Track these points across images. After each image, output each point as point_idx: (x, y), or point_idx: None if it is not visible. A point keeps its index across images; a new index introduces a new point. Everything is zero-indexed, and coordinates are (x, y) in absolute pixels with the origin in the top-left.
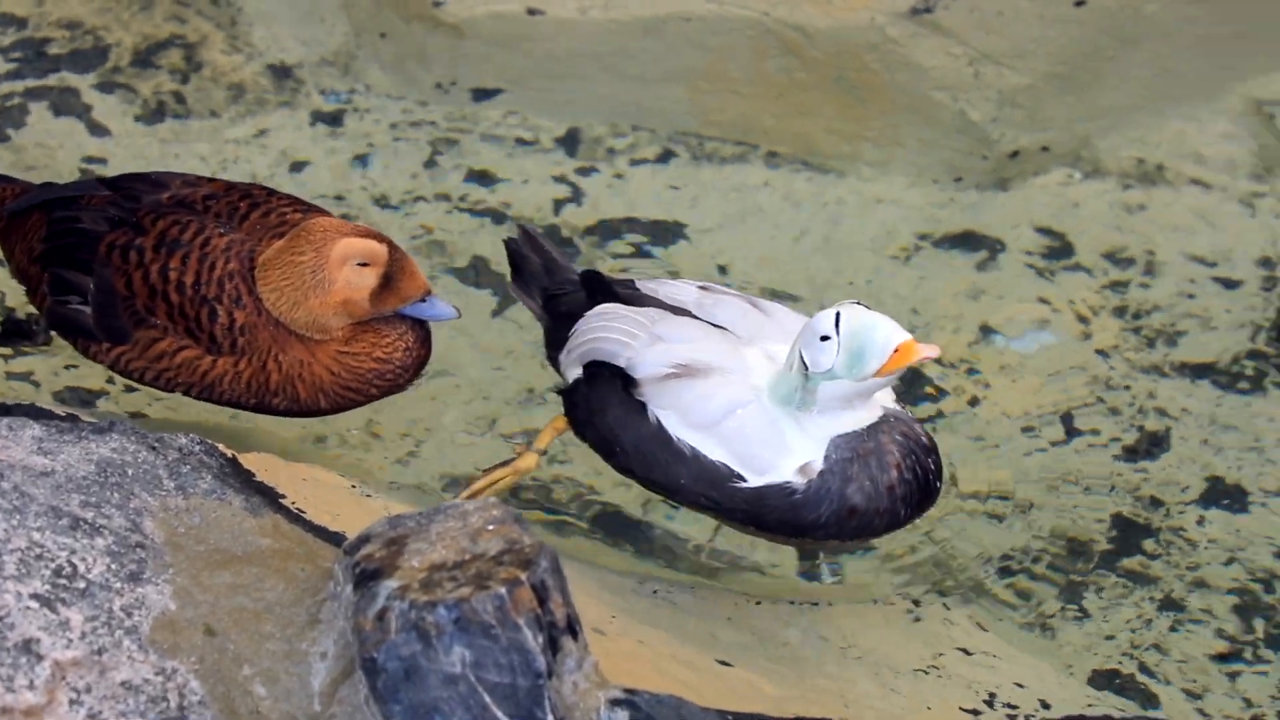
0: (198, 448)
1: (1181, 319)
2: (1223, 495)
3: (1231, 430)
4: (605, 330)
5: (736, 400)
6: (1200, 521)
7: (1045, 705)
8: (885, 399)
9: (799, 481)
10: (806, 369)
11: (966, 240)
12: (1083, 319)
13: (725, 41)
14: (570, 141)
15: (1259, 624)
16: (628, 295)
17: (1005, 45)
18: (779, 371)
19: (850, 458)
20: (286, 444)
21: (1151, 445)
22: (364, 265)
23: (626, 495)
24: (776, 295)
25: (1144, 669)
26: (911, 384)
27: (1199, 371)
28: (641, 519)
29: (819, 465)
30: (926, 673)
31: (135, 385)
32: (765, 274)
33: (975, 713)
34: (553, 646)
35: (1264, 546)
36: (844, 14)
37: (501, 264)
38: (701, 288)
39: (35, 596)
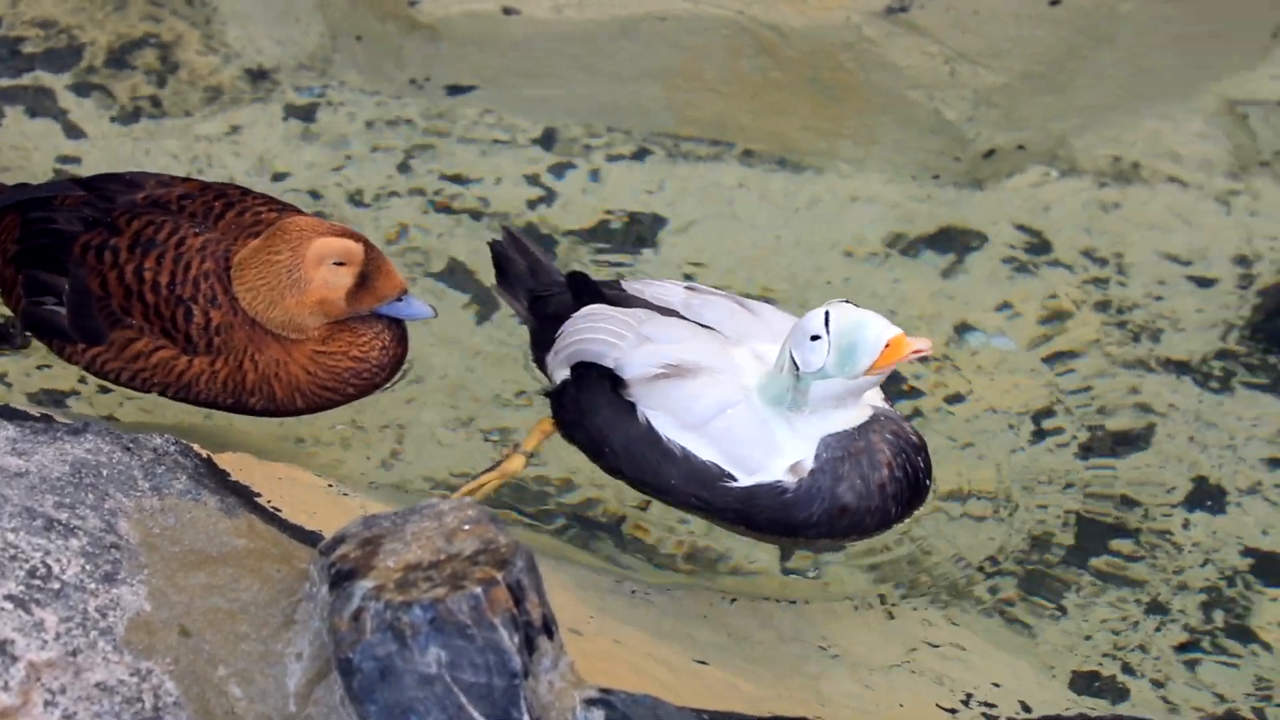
0: (173, 448)
1: (1157, 318)
2: (1205, 496)
3: (1211, 428)
4: (593, 331)
5: (726, 400)
6: (1186, 525)
7: (1026, 708)
8: (875, 398)
9: (790, 480)
10: (798, 369)
11: (943, 238)
12: (1060, 316)
13: (701, 41)
14: (546, 140)
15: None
16: (614, 296)
17: (981, 44)
18: (769, 372)
19: (841, 456)
20: (262, 443)
21: (1118, 445)
22: (340, 264)
23: (604, 494)
24: (754, 294)
25: (1126, 669)
26: (888, 383)
27: (1181, 368)
28: (619, 514)
29: (810, 464)
30: (903, 671)
31: (109, 386)
32: (742, 272)
33: (952, 711)
34: (529, 646)
35: (1234, 547)
36: (819, 13)
37: (476, 263)
38: (688, 288)
39: (9, 598)
